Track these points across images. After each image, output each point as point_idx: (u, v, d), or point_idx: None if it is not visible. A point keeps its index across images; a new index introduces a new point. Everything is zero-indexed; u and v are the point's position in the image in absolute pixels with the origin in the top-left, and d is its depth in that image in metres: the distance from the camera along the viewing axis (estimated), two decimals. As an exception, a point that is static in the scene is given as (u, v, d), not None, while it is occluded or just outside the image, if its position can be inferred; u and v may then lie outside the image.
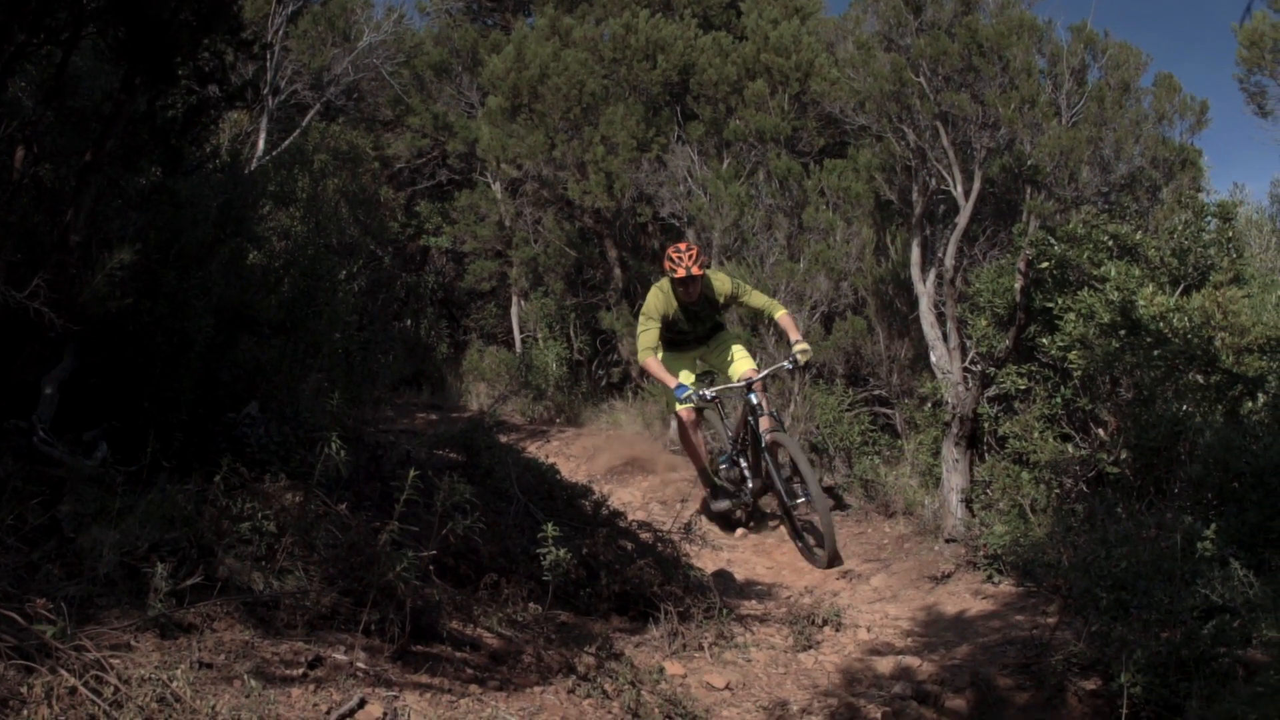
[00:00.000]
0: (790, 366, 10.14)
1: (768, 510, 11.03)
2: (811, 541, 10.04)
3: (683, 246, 10.04)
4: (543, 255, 18.05)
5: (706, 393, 9.85)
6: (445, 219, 19.61)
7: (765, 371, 10.41)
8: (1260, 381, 8.83)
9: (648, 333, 10.09)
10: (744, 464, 10.54)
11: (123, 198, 6.16)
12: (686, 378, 10.34)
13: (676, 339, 10.52)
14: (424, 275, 20.42)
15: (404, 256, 20.05)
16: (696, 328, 10.49)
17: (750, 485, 10.51)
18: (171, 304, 5.98)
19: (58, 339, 5.61)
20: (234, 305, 6.53)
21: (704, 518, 10.93)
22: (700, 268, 9.91)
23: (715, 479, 10.81)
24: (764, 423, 9.99)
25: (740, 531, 11.16)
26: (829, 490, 11.74)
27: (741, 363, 10.42)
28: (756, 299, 10.41)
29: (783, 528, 10.67)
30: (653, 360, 10.03)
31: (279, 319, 7.02)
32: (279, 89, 16.47)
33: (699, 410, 10.41)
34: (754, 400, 10.00)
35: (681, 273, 9.84)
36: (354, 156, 17.67)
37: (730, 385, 10.22)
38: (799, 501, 9.93)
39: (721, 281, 10.35)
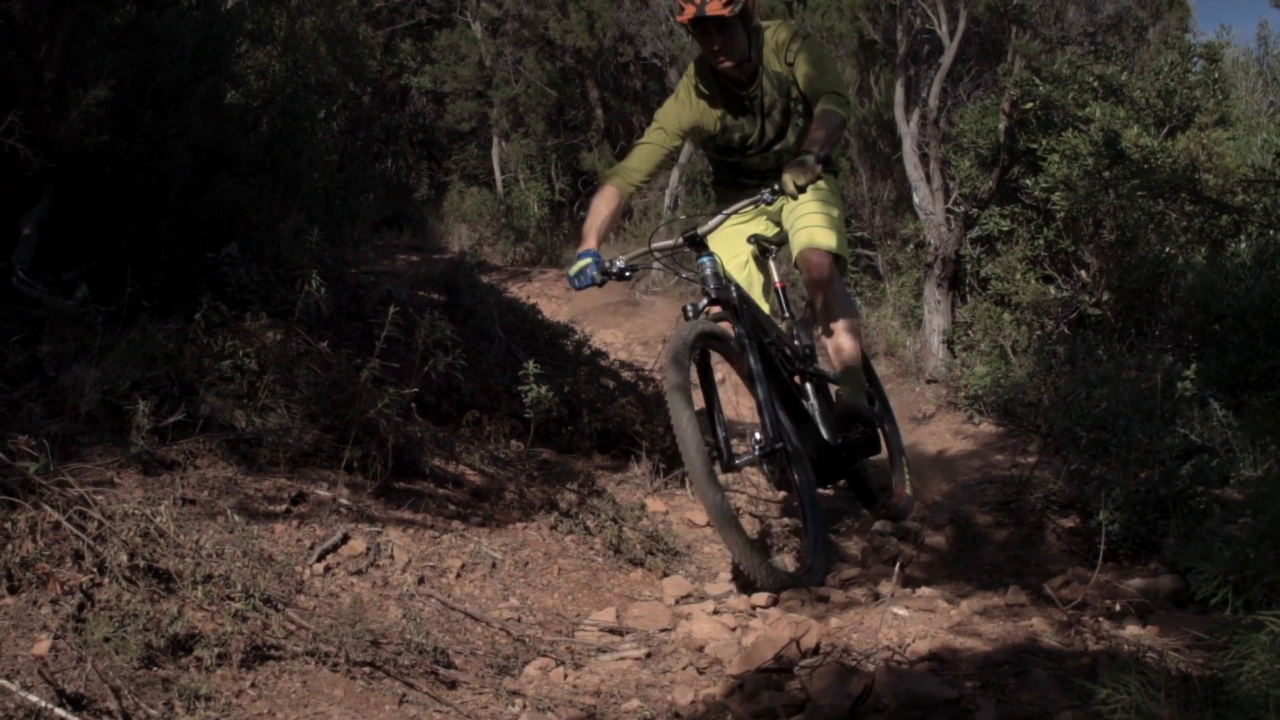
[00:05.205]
0: (767, 200, 5.33)
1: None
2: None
3: None
4: (523, 95, 17.87)
5: (618, 262, 5.48)
6: (425, 59, 19.35)
7: (717, 219, 5.64)
8: (1246, 211, 8.83)
9: (637, 147, 6.01)
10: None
11: (97, 35, 6.04)
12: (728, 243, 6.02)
13: (736, 170, 6.22)
14: (403, 115, 20.21)
15: (383, 96, 19.82)
16: (769, 152, 6.03)
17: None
18: (149, 143, 5.90)
19: (35, 179, 5.55)
20: (212, 145, 6.44)
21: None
22: (727, 5, 5.42)
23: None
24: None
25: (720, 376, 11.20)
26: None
27: (806, 229, 5.91)
28: (810, 70, 5.73)
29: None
30: (602, 191, 5.96)
31: (258, 158, 6.93)
32: (254, -77, 16.13)
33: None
34: (707, 270, 5.51)
35: (690, 11, 5.45)
36: (332, -7, 17.39)
37: (654, 247, 5.62)
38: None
39: (782, 34, 5.82)
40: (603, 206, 5.84)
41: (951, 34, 11.40)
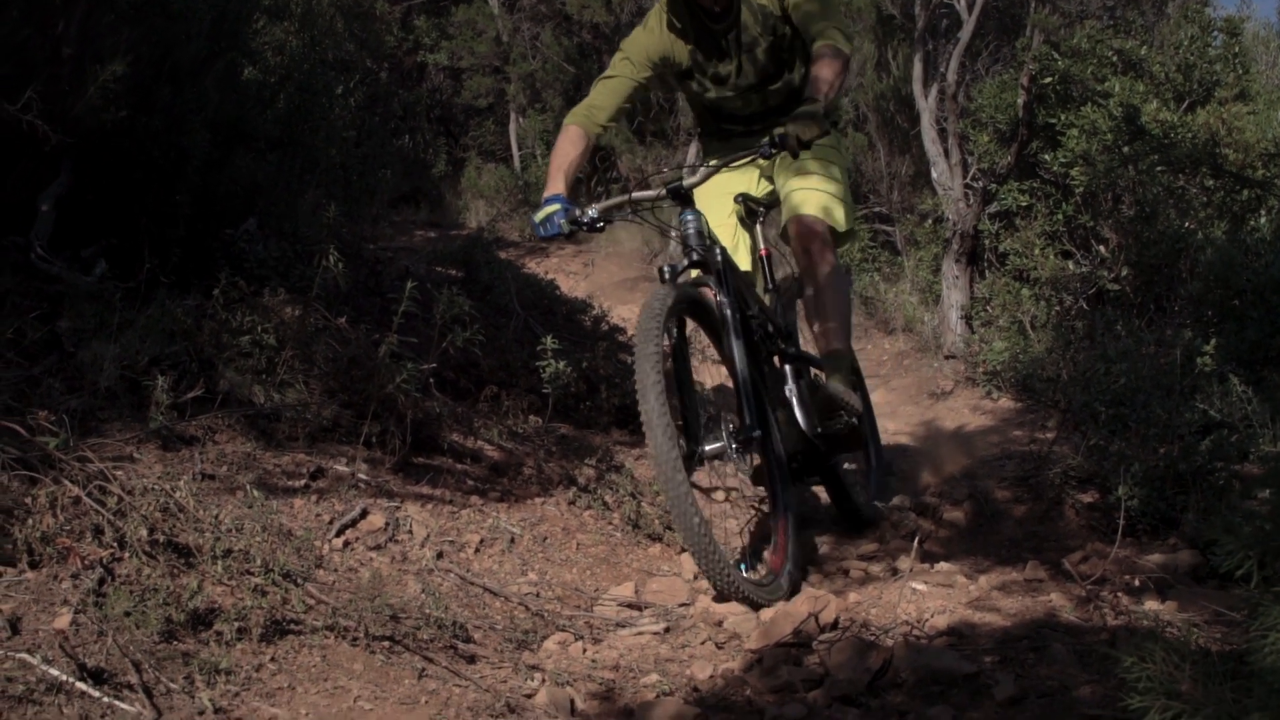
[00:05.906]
0: (766, 153, 4.72)
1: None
2: None
3: None
4: (541, 71, 17.82)
5: (590, 211, 4.88)
6: (442, 34, 19.31)
7: (705, 170, 5.13)
8: (1268, 185, 8.80)
9: (600, 82, 5.36)
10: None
11: (114, 11, 6.04)
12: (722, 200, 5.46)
13: (719, 116, 5.63)
14: (420, 91, 20.18)
15: (400, 72, 19.77)
16: (752, 95, 5.43)
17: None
18: (167, 119, 5.91)
19: (53, 155, 5.55)
20: (230, 121, 6.45)
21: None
22: None
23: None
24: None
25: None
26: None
27: (799, 190, 5.36)
28: (805, 5, 5.06)
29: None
30: (566, 132, 5.23)
31: (275, 135, 6.94)
32: (270, -102, 16.09)
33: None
34: (690, 227, 4.91)
35: None
36: (348, -31, 17.36)
37: (633, 197, 5.01)
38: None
39: None
40: (569, 147, 5.15)
41: (970, 8, 11.34)
